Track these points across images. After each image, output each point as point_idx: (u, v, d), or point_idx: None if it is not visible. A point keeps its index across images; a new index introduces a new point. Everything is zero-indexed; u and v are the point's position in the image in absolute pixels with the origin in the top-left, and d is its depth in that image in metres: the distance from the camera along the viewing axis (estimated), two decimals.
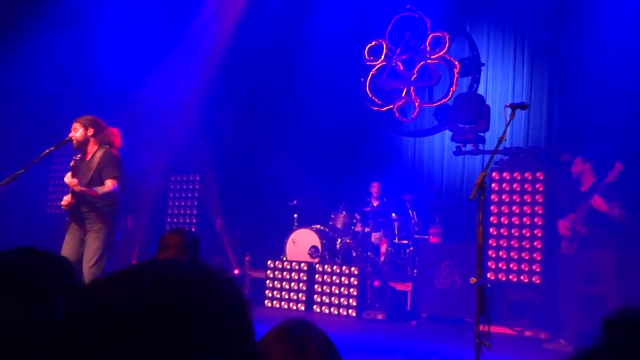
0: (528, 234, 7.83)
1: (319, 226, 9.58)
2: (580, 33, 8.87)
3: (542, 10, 9.48)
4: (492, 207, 8.06)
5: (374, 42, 10.81)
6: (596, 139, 8.34)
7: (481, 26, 10.44)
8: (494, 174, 8.08)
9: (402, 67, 10.55)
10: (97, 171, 5.82)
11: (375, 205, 9.73)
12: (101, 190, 5.74)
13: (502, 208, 8.05)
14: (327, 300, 8.74)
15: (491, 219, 8.02)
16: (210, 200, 11.25)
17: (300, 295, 8.99)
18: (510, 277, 7.86)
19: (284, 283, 9.14)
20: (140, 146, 11.07)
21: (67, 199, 5.86)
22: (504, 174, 8.09)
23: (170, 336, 0.82)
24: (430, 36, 10.27)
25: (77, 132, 5.90)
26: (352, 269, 8.67)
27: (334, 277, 8.74)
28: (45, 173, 11.54)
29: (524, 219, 7.90)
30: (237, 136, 11.46)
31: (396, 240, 9.48)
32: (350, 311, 8.55)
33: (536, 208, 7.84)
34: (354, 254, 9.29)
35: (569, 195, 7.16)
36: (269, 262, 9.33)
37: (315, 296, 8.85)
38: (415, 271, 8.89)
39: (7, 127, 10.72)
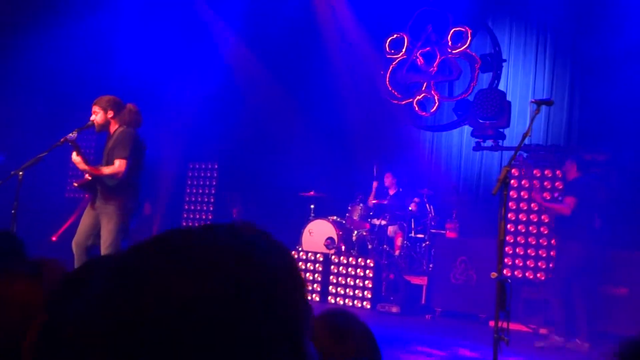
0: (546, 232, 7.81)
1: (335, 217, 9.60)
2: (603, 30, 8.79)
3: (565, 7, 9.41)
4: (510, 204, 8.04)
5: (395, 35, 10.79)
6: (617, 137, 8.30)
7: (503, 21, 10.38)
8: (513, 170, 8.04)
9: (422, 61, 10.52)
10: (110, 150, 5.85)
11: (391, 195, 9.73)
12: (107, 169, 5.74)
13: (521, 205, 8.03)
14: (342, 292, 8.77)
15: (509, 215, 8.00)
16: (227, 189, 11.31)
17: (315, 285, 9.02)
18: (527, 274, 7.85)
19: None
20: (159, 134, 11.14)
21: (85, 178, 5.95)
22: (523, 171, 8.06)
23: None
24: (452, 31, 10.23)
25: (97, 115, 5.93)
26: (368, 261, 8.68)
27: (349, 269, 8.76)
28: (65, 157, 11.62)
29: (542, 217, 7.88)
30: (256, 125, 11.49)
31: (412, 234, 9.48)
32: (364, 303, 8.57)
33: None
34: (369, 246, 9.30)
35: (590, 194, 7.14)
36: None
37: (330, 287, 8.88)
38: (431, 265, 8.89)
39: (30, 111, 10.81)
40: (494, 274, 3.96)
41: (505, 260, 7.87)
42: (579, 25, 9.43)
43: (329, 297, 8.86)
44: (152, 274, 0.69)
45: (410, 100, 10.55)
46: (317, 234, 9.42)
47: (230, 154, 11.46)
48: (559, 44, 9.84)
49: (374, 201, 9.71)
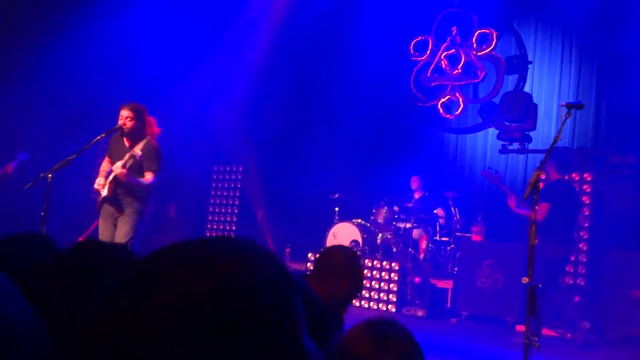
0: (574, 236, 7.73)
1: (360, 220, 9.59)
2: (630, 31, 8.70)
3: (591, 8, 9.32)
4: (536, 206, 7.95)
5: (419, 38, 10.76)
6: None
7: (529, 23, 10.31)
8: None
9: (447, 63, 10.47)
10: (137, 161, 5.94)
11: (416, 198, 9.71)
12: (144, 182, 5.90)
13: None
14: (367, 295, 8.74)
15: (534, 217, 7.90)
16: (252, 192, 11.33)
17: None
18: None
19: None
20: (184, 136, 11.21)
21: (100, 182, 6.01)
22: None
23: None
24: (476, 33, 10.18)
25: (127, 120, 5.99)
26: (393, 264, 8.65)
27: (374, 272, 8.73)
28: (91, 160, 11.73)
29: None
30: (281, 128, 11.51)
31: (437, 237, 9.44)
32: (390, 306, 8.54)
33: (583, 210, 7.73)
34: (394, 250, 9.28)
35: (617, 198, 7.14)
36: (310, 254, 9.36)
37: None
38: (456, 269, 8.84)
39: (52, 111, 10.91)
40: (525, 279, 3.93)
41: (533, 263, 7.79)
42: (605, 26, 9.34)
43: (354, 301, 8.82)
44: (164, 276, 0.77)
45: (435, 102, 10.52)
46: (342, 236, 9.41)
47: (255, 157, 11.49)
48: (585, 45, 9.75)
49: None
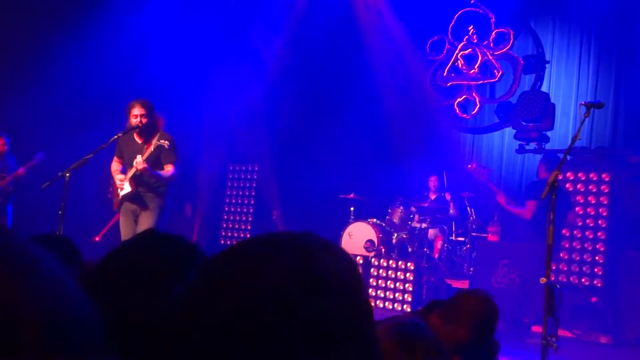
0: (591, 236, 7.67)
1: (375, 220, 9.57)
2: None
3: (609, 6, 9.25)
4: (554, 206, 7.90)
5: (436, 37, 10.71)
6: None
7: (546, 22, 10.24)
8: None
9: (463, 63, 10.43)
10: (154, 155, 5.96)
11: (432, 199, 9.67)
12: (165, 174, 5.92)
13: None
14: (382, 295, 8.73)
15: (552, 217, 7.85)
16: (267, 191, 11.34)
17: None
18: (571, 279, 7.72)
19: None
20: (199, 135, 11.25)
21: (121, 178, 6.04)
22: (568, 174, 7.93)
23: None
24: (494, 32, 10.12)
25: (142, 117, 6.01)
26: (408, 264, 8.62)
27: (390, 272, 8.71)
28: (106, 159, 11.78)
29: (587, 221, 7.74)
30: (296, 127, 11.51)
31: (453, 237, 9.40)
32: (405, 306, 8.52)
33: (600, 210, 7.67)
34: (410, 249, 9.25)
35: (636, 198, 7.12)
36: None
37: (370, 290, 8.84)
38: (472, 269, 8.80)
39: (68, 111, 10.98)
40: (543, 280, 3.90)
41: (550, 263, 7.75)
42: (623, 24, 9.26)
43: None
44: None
45: (451, 102, 10.47)
46: (357, 236, 9.40)
47: (271, 156, 11.50)
48: (603, 44, 9.67)
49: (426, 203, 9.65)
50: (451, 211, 9.46)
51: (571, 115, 9.57)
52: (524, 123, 8.44)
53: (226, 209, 11.62)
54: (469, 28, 10.38)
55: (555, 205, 6.73)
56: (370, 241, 9.23)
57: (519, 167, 10.24)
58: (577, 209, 7.83)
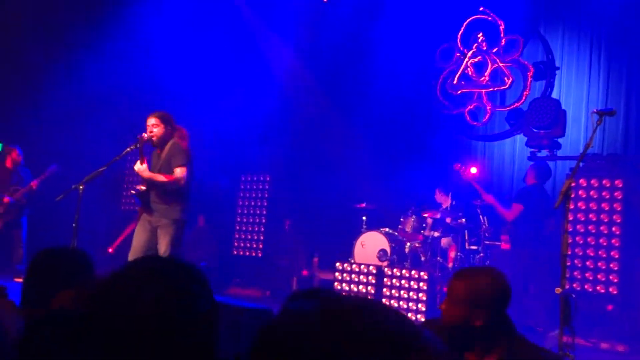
0: (605, 243, 7.64)
1: (387, 229, 9.55)
2: None
3: (619, 12, 9.22)
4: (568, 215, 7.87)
5: (445, 45, 10.72)
6: None
7: (556, 28, 10.21)
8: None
9: (473, 71, 10.42)
10: (165, 162, 5.99)
11: (444, 207, 9.64)
12: (170, 177, 5.91)
13: (578, 216, 7.87)
14: (396, 304, 8.70)
15: (566, 227, 7.83)
16: (279, 201, 11.35)
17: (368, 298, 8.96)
18: (586, 286, 7.68)
19: (352, 285, 9.15)
20: (211, 146, 11.28)
21: (141, 187, 6.07)
22: (581, 181, 7.91)
23: None
24: (503, 39, 10.12)
25: (157, 128, 6.04)
26: (422, 273, 8.60)
27: (403, 281, 8.69)
28: (121, 170, 11.87)
29: (601, 228, 7.71)
30: (308, 137, 11.53)
31: (466, 246, 9.37)
32: (419, 316, 8.49)
33: (614, 217, 7.64)
34: (422, 259, 9.22)
35: (539, 203, 7.37)
36: (338, 264, 9.35)
37: (384, 300, 8.82)
38: None
39: (82, 123, 11.05)
40: (558, 289, 3.88)
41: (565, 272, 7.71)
42: (634, 30, 9.22)
43: None
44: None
45: (461, 110, 10.46)
46: (370, 246, 9.38)
47: (283, 166, 11.52)
48: (614, 49, 9.62)
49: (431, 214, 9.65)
50: (462, 221, 9.42)
51: (582, 121, 9.52)
52: (535, 130, 8.42)
53: (238, 219, 11.63)
54: (478, 35, 10.38)
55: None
56: (383, 250, 9.21)
57: None
58: (590, 215, 7.80)
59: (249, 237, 11.45)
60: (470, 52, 10.42)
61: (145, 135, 6.05)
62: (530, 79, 9.76)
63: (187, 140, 6.29)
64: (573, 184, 7.85)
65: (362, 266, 9.13)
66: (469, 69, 10.44)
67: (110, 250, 10.77)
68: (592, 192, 7.81)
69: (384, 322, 0.88)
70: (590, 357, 6.76)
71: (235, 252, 11.52)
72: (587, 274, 7.70)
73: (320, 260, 10.36)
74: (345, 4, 11.19)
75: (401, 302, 8.64)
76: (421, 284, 8.54)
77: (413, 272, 8.65)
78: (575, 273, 7.76)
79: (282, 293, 9.54)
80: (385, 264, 9.08)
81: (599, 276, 7.62)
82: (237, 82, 11.60)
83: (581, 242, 7.80)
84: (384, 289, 8.83)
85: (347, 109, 11.56)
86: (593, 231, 7.75)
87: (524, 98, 9.69)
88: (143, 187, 6.04)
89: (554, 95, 9.66)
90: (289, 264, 10.63)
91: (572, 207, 7.90)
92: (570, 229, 7.86)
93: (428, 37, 10.83)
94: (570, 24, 10.08)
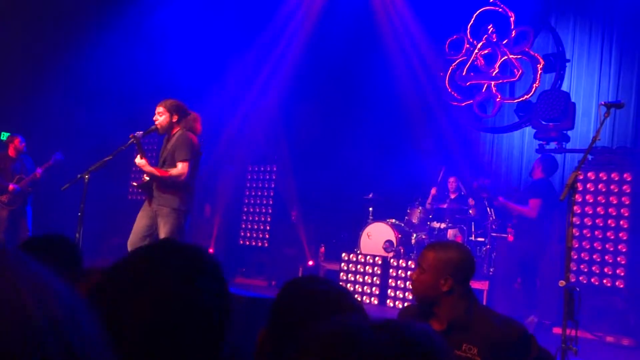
0: (612, 237, 7.59)
1: (394, 220, 9.53)
2: None
3: (631, 3, 9.13)
4: (575, 208, 7.81)
5: (455, 37, 10.64)
6: None
7: (567, 20, 10.12)
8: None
9: (483, 62, 10.35)
10: (170, 152, 5.96)
11: (452, 199, 9.60)
12: (170, 171, 5.87)
13: (586, 209, 7.82)
14: (401, 295, 8.70)
15: (574, 219, 7.78)
16: (286, 192, 11.35)
17: (374, 289, 8.98)
18: (592, 280, 7.64)
19: (357, 276, 9.14)
20: (218, 136, 11.28)
21: (145, 177, 6.06)
22: (589, 174, 7.85)
23: None
24: (513, 31, 10.03)
25: (162, 117, 6.02)
26: None
27: (409, 272, 8.66)
28: (127, 160, 11.86)
29: (609, 221, 7.66)
30: (315, 128, 11.51)
31: (472, 238, 9.33)
32: None
33: (622, 210, 7.59)
34: None
35: (552, 195, 7.31)
36: (344, 254, 9.35)
37: (389, 290, 8.82)
38: (492, 270, 8.73)
39: (86, 113, 11.06)
40: (562, 282, 3.85)
41: (571, 265, 7.66)
42: None
43: (388, 301, 8.80)
44: None
45: (470, 101, 10.39)
46: (376, 237, 9.37)
47: (289, 157, 11.50)
48: (625, 42, 9.53)
49: (428, 206, 9.62)
50: (471, 212, 9.38)
51: (592, 114, 9.45)
52: (544, 122, 8.36)
53: (245, 209, 11.64)
54: (488, 27, 10.30)
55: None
56: (389, 242, 9.19)
57: None
58: (598, 209, 7.75)
59: (256, 227, 11.45)
60: (480, 43, 10.35)
61: (138, 133, 6.02)
62: (540, 71, 9.68)
63: (199, 125, 6.26)
64: (580, 177, 7.83)
65: (368, 257, 9.12)
66: (478, 60, 10.36)
67: (116, 240, 10.80)
68: (600, 185, 7.75)
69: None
70: (596, 350, 6.73)
71: (241, 242, 11.53)
72: (593, 267, 7.66)
73: (326, 251, 10.36)
74: None
75: (407, 293, 8.63)
76: None
77: None
78: (582, 266, 7.71)
79: None
80: (391, 255, 9.07)
81: (605, 269, 7.58)
82: (246, 73, 11.58)
83: (588, 235, 7.75)
84: (390, 280, 8.82)
85: (355, 99, 11.52)
86: (601, 224, 7.70)
87: (533, 90, 9.61)
88: (146, 177, 6.03)
89: (564, 87, 9.59)
90: (295, 254, 10.63)
91: (579, 199, 7.85)
92: (578, 222, 7.81)
93: (438, 28, 10.76)
94: (581, 16, 9.99)
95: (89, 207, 6.08)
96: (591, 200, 7.80)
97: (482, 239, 9.26)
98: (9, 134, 9.31)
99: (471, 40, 10.45)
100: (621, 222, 7.56)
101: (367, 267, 9.08)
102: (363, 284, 9.06)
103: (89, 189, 5.99)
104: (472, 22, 10.45)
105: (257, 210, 11.50)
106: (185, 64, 11.15)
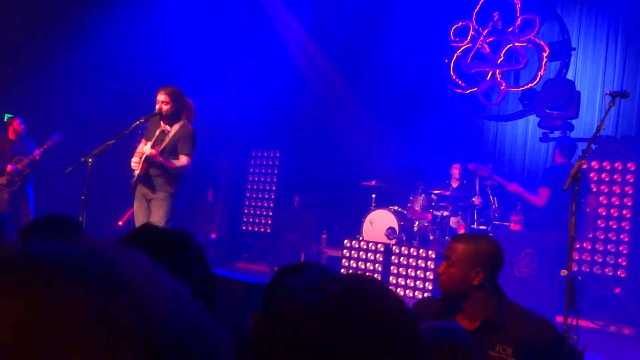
0: (615, 226, 7.59)
1: (396, 207, 9.53)
2: None
3: None
4: (576, 197, 7.81)
5: (460, 23, 10.59)
6: None
7: (573, 8, 10.06)
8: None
9: (488, 50, 10.30)
10: (171, 142, 5.96)
11: (455, 187, 9.59)
12: (177, 163, 5.91)
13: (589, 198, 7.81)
14: (403, 283, 8.71)
15: (574, 209, 7.76)
16: (289, 177, 11.35)
17: (375, 276, 8.98)
18: (595, 269, 7.65)
19: (359, 263, 9.16)
20: (221, 121, 11.27)
21: (135, 161, 6.04)
22: (593, 163, 7.83)
23: None
24: (519, 18, 9.98)
25: (166, 106, 6.02)
26: (430, 252, 8.59)
27: (410, 260, 8.69)
28: (130, 144, 11.86)
29: (612, 211, 7.66)
30: (318, 114, 11.50)
31: (475, 226, 9.33)
32: (425, 294, 8.49)
33: (625, 200, 7.59)
34: (431, 237, 9.21)
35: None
36: (346, 241, 9.35)
37: (391, 278, 8.83)
38: None
39: (89, 99, 11.05)
40: (564, 272, 3.86)
41: (573, 254, 7.66)
42: None
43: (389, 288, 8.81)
44: None
45: (475, 89, 10.36)
46: (378, 223, 9.37)
47: (292, 143, 11.50)
48: (631, 31, 9.48)
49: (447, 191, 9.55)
50: (475, 201, 9.36)
51: (597, 103, 9.42)
52: (548, 111, 8.33)
53: (248, 194, 11.65)
54: (494, 14, 10.25)
55: (567, 194, 6.72)
56: (392, 229, 9.20)
57: (542, 156, 10.10)
58: (601, 198, 7.74)
59: (258, 212, 11.47)
60: (486, 30, 10.30)
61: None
62: (545, 59, 9.63)
63: (192, 113, 6.27)
64: (584, 166, 7.81)
65: (370, 244, 9.13)
66: (484, 47, 10.32)
67: (120, 222, 10.83)
68: (604, 175, 7.74)
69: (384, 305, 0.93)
70: (598, 339, 6.74)
71: (244, 228, 11.55)
72: (596, 257, 7.66)
73: (328, 237, 10.37)
74: None
75: (408, 281, 8.65)
76: (429, 262, 8.54)
77: (421, 250, 8.65)
78: (585, 255, 7.71)
79: None
80: (393, 242, 9.07)
81: (607, 259, 7.59)
82: (249, 58, 11.55)
83: (591, 224, 7.74)
84: (392, 267, 8.83)
85: (359, 86, 11.49)
86: (603, 214, 7.70)
87: (538, 78, 9.57)
88: (143, 165, 6.03)
89: (569, 76, 9.55)
90: (298, 240, 10.64)
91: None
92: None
93: (443, 14, 10.71)
94: (588, 4, 9.93)
95: (92, 191, 6.10)
96: (595, 190, 7.78)
97: (485, 227, 9.26)
98: (10, 115, 9.29)
99: (476, 27, 10.41)
100: (624, 212, 7.56)
101: (369, 254, 9.10)
102: (365, 270, 9.07)
103: (92, 172, 6.00)
104: (477, 8, 10.40)
105: (260, 196, 11.51)
106: (188, 49, 11.12)
